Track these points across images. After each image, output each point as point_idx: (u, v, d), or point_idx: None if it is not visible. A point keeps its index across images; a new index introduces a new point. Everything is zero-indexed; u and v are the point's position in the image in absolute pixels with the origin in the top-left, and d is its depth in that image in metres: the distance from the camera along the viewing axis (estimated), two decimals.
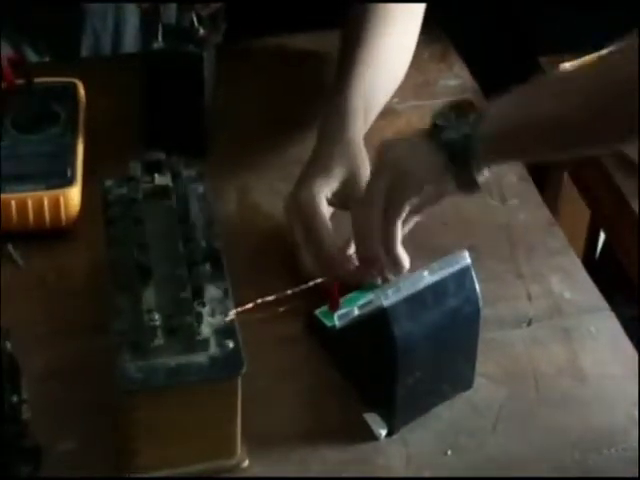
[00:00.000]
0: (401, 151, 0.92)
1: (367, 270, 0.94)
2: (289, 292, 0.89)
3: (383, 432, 0.87)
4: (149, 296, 0.83)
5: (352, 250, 0.97)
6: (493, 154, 0.89)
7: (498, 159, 0.92)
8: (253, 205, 1.09)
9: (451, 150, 0.88)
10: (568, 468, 0.85)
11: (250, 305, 0.86)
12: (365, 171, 0.98)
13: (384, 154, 0.93)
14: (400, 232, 0.91)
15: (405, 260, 0.93)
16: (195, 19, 1.05)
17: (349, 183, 0.98)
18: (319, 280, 0.92)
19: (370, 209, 0.90)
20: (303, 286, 0.90)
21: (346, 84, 1.05)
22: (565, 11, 1.32)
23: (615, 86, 0.81)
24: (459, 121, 0.89)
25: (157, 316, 0.80)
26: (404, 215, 0.90)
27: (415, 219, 0.95)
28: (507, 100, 0.90)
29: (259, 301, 0.87)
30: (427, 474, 0.84)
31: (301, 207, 0.96)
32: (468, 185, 0.89)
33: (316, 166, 0.99)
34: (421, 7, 1.12)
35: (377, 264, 0.93)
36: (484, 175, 0.89)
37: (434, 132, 0.90)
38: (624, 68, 0.80)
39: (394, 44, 1.10)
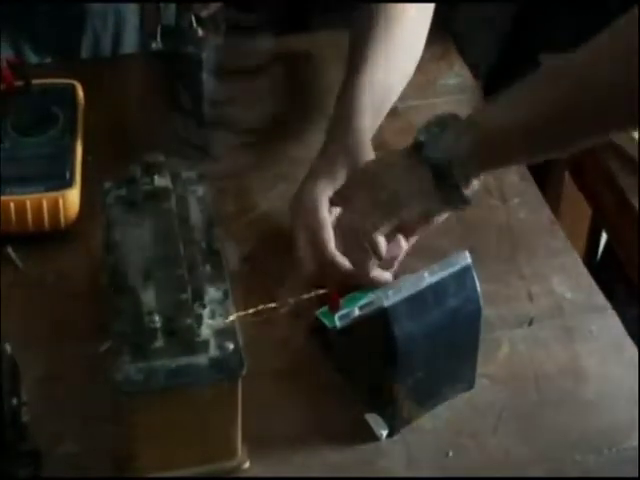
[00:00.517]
0: (382, 171, 0.91)
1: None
2: (291, 301, 0.89)
3: (384, 433, 0.86)
4: (149, 298, 0.83)
5: None
6: (480, 166, 0.87)
7: (485, 169, 0.89)
8: (253, 206, 1.08)
9: (434, 166, 0.86)
10: (569, 468, 0.85)
11: (251, 311, 0.86)
12: None
13: (363, 174, 0.93)
14: (383, 242, 0.91)
15: (401, 245, 0.94)
16: (194, 20, 1.05)
17: None
18: (321, 291, 0.91)
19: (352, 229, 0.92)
20: (305, 296, 0.90)
21: (354, 83, 1.04)
22: (565, 10, 1.32)
23: (596, 89, 0.78)
24: (442, 135, 0.86)
25: (157, 318, 0.80)
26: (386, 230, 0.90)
27: (412, 241, 0.95)
28: (490, 108, 0.89)
29: (260, 307, 0.87)
30: (428, 475, 0.84)
31: (303, 209, 0.96)
32: (456, 201, 0.88)
33: (321, 167, 0.99)
34: (430, 5, 1.11)
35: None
36: (474, 188, 0.88)
37: (416, 149, 0.88)
38: (605, 67, 0.77)
39: (403, 42, 1.09)
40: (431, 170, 0.86)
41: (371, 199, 0.89)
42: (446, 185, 0.86)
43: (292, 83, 1.24)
